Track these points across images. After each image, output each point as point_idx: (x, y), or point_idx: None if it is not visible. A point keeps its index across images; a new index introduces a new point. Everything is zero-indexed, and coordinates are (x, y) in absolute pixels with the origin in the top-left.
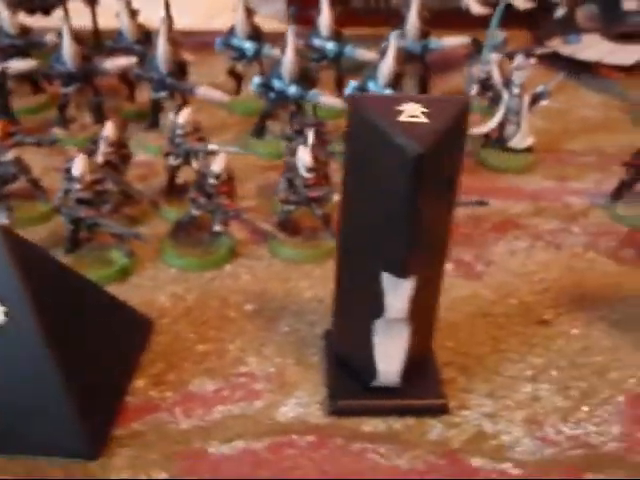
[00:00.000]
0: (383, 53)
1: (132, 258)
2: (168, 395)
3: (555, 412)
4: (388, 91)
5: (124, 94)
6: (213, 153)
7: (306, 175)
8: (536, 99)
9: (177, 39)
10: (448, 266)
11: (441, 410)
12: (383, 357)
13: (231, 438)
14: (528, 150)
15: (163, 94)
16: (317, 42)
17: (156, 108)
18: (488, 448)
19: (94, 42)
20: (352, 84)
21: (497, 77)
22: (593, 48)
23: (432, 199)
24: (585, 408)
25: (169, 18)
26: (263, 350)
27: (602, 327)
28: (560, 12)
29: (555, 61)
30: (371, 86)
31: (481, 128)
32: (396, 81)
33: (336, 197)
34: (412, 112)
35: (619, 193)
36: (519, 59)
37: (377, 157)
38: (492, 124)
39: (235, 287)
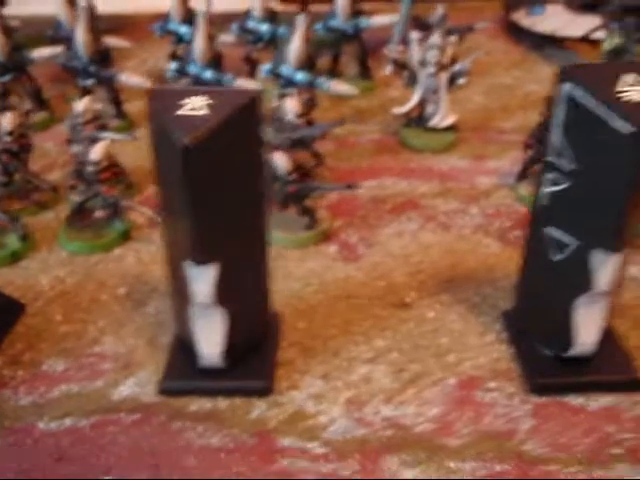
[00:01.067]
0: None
1: (25, 242)
2: (19, 374)
3: (381, 393)
4: (301, 74)
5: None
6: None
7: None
8: (454, 78)
9: (99, 26)
10: (332, 248)
11: (264, 391)
12: (204, 340)
13: (61, 415)
14: (450, 129)
15: (89, 82)
16: (251, 24)
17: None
18: (302, 428)
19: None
20: (264, 67)
21: (414, 56)
22: (550, 20)
23: (219, 189)
24: (412, 390)
25: (90, 6)
26: (120, 331)
27: (459, 310)
28: None
29: (520, 34)
30: (284, 69)
31: (400, 108)
32: (309, 63)
33: None
34: (196, 105)
35: (523, 173)
36: (434, 37)
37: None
38: (410, 104)
39: (116, 271)
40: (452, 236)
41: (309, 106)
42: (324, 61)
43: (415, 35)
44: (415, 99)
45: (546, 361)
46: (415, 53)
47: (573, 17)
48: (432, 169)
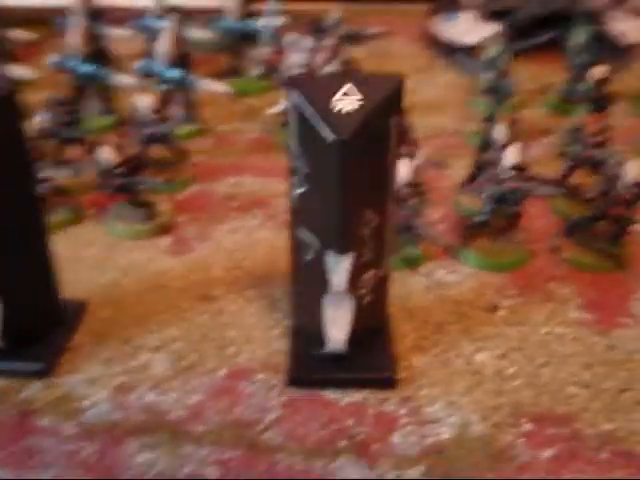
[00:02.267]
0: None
1: None
2: None
3: (151, 381)
4: (172, 71)
5: None
6: None
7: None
8: None
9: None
10: (165, 241)
11: (41, 373)
12: None
13: None
14: None
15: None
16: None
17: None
18: (64, 410)
19: None
20: (139, 64)
21: (287, 59)
22: (460, 27)
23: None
24: (181, 379)
25: None
26: None
27: (259, 305)
28: None
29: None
30: (155, 67)
31: (272, 108)
32: (182, 61)
33: None
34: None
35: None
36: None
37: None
38: (281, 106)
39: None
40: (284, 234)
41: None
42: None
43: (291, 39)
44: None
45: (309, 357)
46: (290, 57)
47: (482, 25)
48: None
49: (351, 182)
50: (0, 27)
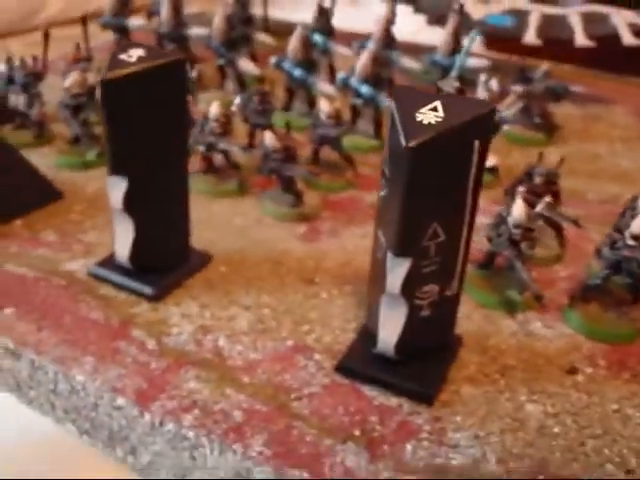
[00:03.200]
0: None
1: None
2: None
3: (230, 330)
4: (365, 87)
5: None
6: None
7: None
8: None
9: None
10: (301, 229)
11: (152, 298)
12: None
13: None
14: None
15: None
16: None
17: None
18: (155, 328)
19: None
20: (340, 77)
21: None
22: None
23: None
24: (253, 336)
25: None
26: None
27: (350, 300)
28: None
29: None
30: (352, 81)
31: None
32: (376, 81)
33: None
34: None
35: None
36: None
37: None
38: None
39: None
40: None
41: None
42: None
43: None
44: None
45: (365, 352)
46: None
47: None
48: None
49: (418, 191)
50: (252, 30)
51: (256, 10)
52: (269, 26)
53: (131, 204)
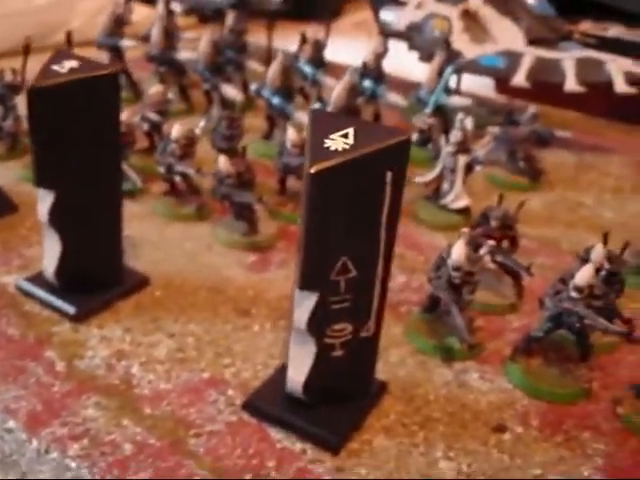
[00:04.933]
0: None
1: None
2: None
3: (146, 357)
4: None
5: None
6: None
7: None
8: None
9: None
10: (251, 258)
11: (73, 318)
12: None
13: None
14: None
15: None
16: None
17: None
18: (71, 353)
19: None
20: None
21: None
22: None
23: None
24: (169, 365)
25: None
26: None
27: (281, 335)
28: None
29: None
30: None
31: (420, 178)
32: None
33: None
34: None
35: None
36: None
37: None
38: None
39: None
40: None
41: None
42: None
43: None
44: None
45: (278, 392)
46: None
47: None
48: None
49: (323, 220)
50: (244, 57)
51: (261, 40)
52: (271, 57)
53: (57, 218)
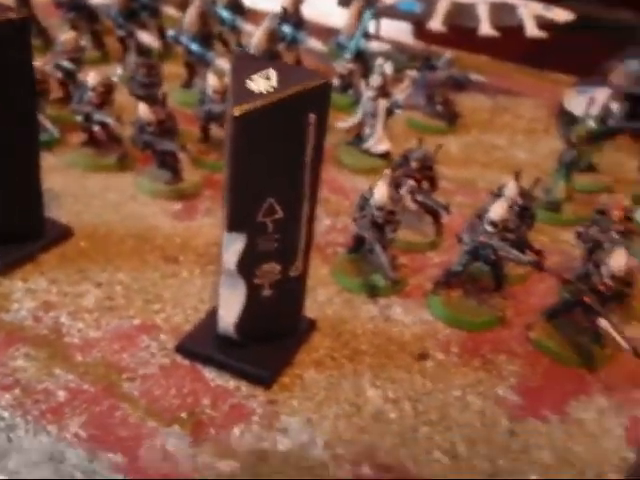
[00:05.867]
0: None
1: None
2: None
3: (74, 307)
4: None
5: None
6: None
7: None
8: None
9: None
10: (176, 206)
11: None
12: None
13: None
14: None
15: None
16: None
17: None
18: None
19: None
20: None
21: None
22: (581, 101)
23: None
24: (98, 314)
25: None
26: None
27: (209, 281)
28: None
29: None
30: None
31: (344, 123)
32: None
33: None
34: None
35: None
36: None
37: None
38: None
39: None
40: None
41: None
42: None
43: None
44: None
45: (210, 333)
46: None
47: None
48: None
49: (247, 162)
50: (159, 2)
51: None
52: (187, 1)
53: None
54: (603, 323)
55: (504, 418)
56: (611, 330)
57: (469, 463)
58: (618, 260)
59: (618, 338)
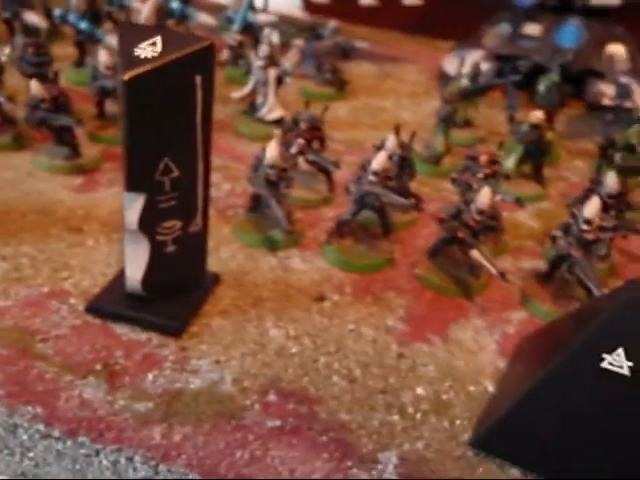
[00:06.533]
0: None
1: None
2: None
3: None
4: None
5: None
6: None
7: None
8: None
9: None
10: (78, 180)
11: None
12: None
13: None
14: None
15: None
16: None
17: None
18: None
19: None
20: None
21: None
22: (456, 62)
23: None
24: (5, 285)
25: None
26: None
27: (116, 247)
28: None
29: None
30: None
31: (238, 92)
32: None
33: None
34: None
35: None
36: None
37: None
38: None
39: None
40: None
41: None
42: None
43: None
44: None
45: (118, 292)
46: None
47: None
48: None
49: (139, 124)
50: None
51: None
52: None
53: None
54: (475, 254)
55: (394, 344)
56: (482, 259)
57: (364, 384)
58: (483, 197)
59: (488, 265)
